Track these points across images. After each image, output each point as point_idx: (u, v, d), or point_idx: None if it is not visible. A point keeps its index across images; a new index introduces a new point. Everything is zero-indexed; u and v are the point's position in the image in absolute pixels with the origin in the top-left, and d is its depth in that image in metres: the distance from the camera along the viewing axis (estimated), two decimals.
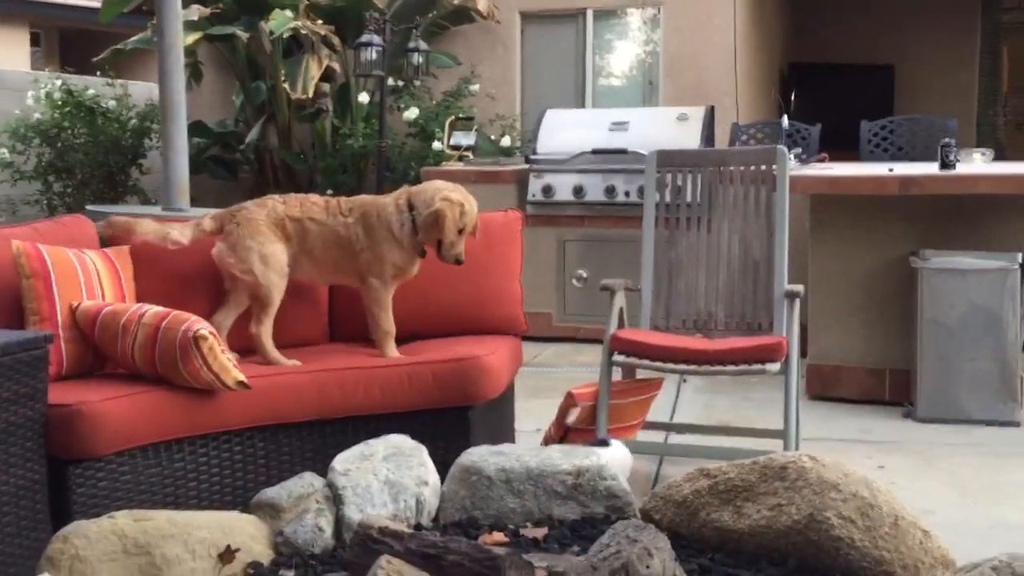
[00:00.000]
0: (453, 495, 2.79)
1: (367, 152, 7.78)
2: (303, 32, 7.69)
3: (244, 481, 3.09)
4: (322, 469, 2.83)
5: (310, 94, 7.64)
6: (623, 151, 6.10)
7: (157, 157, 7.79)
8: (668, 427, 4.14)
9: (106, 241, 3.44)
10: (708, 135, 6.12)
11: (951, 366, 4.38)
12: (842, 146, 6.54)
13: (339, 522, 2.65)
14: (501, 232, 3.75)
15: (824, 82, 9.91)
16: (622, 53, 8.24)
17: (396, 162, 7.67)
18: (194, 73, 8.22)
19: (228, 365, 2.96)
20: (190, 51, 7.45)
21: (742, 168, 3.93)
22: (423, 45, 7.19)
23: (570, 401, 3.62)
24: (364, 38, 6.79)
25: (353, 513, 2.63)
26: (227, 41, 8.21)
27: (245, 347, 3.36)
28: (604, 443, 3.32)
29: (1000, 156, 5.89)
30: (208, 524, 2.52)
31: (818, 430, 4.21)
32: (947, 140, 4.76)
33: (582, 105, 8.10)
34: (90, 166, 8.95)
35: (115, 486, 2.83)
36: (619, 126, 6.31)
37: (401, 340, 3.49)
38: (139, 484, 2.88)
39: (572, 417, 3.57)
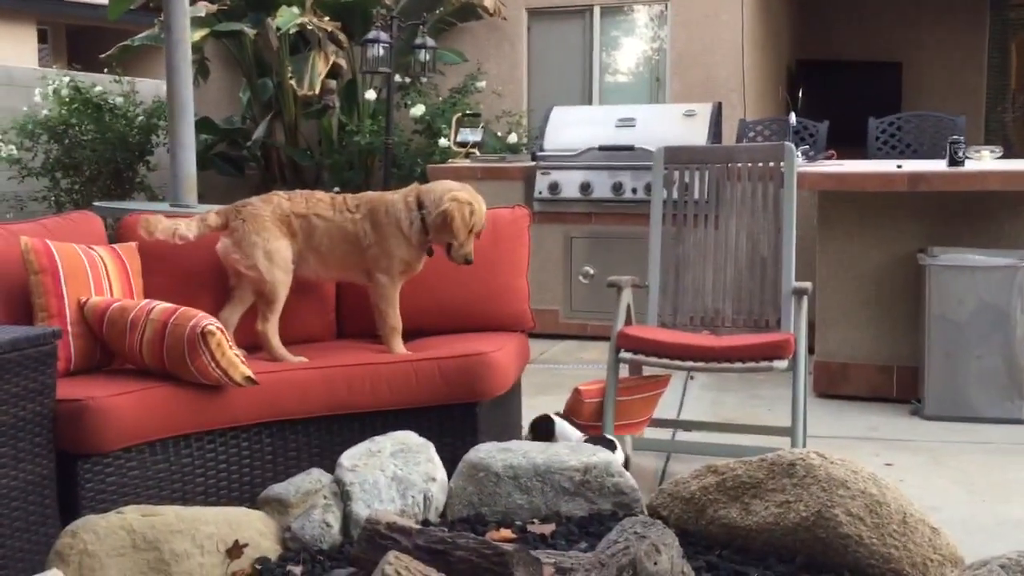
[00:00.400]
0: (460, 491, 2.79)
1: (374, 149, 7.78)
2: (310, 28, 7.70)
3: (252, 477, 3.09)
4: (329, 465, 2.83)
5: (317, 91, 7.64)
6: (630, 148, 6.09)
7: (164, 154, 7.80)
8: (675, 424, 4.13)
9: (115, 235, 3.45)
10: (715, 132, 6.11)
11: (959, 363, 4.37)
12: (850, 143, 6.53)
13: (347, 518, 2.65)
14: (508, 229, 3.75)
15: (832, 79, 9.88)
16: (629, 49, 8.23)
17: (403, 159, 7.67)
18: (201, 70, 8.23)
19: (236, 361, 2.97)
20: (197, 48, 7.47)
21: (750, 165, 3.92)
22: (430, 42, 7.19)
23: (577, 398, 3.62)
24: (371, 34, 6.79)
25: (361, 509, 2.64)
26: (234, 38, 8.22)
27: (252, 344, 3.36)
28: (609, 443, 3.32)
29: (1009, 153, 5.85)
30: (216, 520, 2.53)
31: (826, 427, 4.21)
32: (956, 137, 4.75)
33: (589, 102, 8.10)
34: (97, 163, 8.97)
35: (123, 481, 2.83)
36: (626, 123, 6.30)
37: (408, 336, 3.49)
38: (147, 479, 2.88)
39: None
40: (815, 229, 4.81)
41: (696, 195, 3.96)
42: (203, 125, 8.06)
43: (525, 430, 3.50)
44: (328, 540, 2.60)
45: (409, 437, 2.90)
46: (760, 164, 3.90)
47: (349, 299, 3.70)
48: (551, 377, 5.09)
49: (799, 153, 4.64)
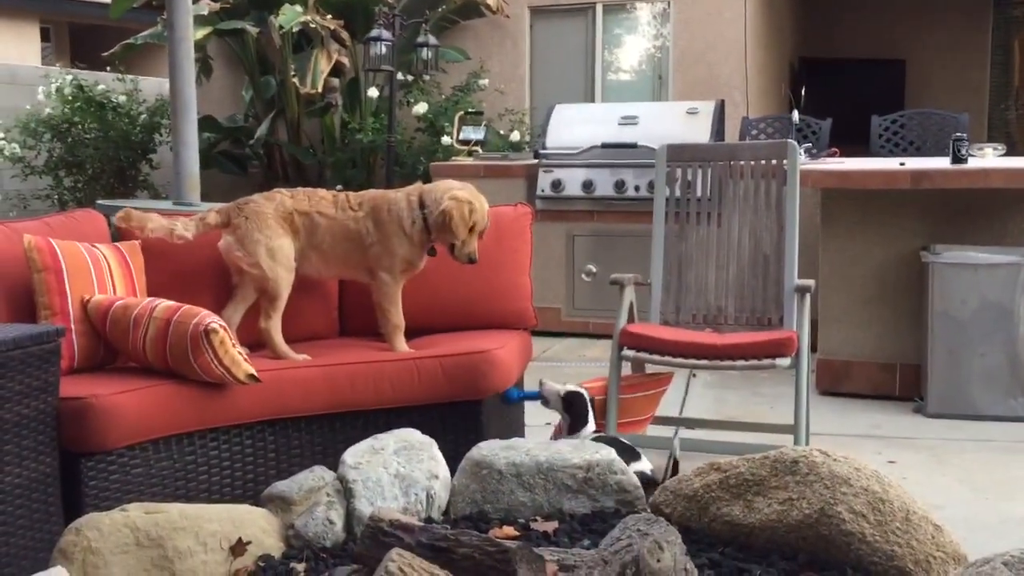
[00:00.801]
0: (463, 489, 2.79)
1: (376, 147, 7.78)
2: (312, 27, 7.71)
3: (255, 475, 3.10)
4: (332, 463, 2.83)
5: (319, 89, 7.65)
6: (633, 145, 6.09)
7: (167, 152, 7.82)
8: (678, 422, 4.13)
9: (118, 234, 3.45)
10: (718, 129, 6.10)
11: (962, 361, 4.37)
12: (853, 141, 6.53)
13: (350, 515, 2.66)
14: (511, 226, 3.75)
15: (835, 77, 9.88)
16: (631, 47, 8.23)
17: (405, 157, 7.67)
18: (204, 68, 8.24)
19: (239, 359, 2.97)
20: (200, 46, 7.47)
21: (752, 162, 3.92)
22: (432, 40, 7.19)
23: None
24: (374, 33, 6.80)
25: (364, 506, 2.64)
26: (237, 36, 8.23)
27: (255, 341, 3.37)
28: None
29: (1012, 151, 5.85)
30: (219, 517, 2.53)
31: (828, 425, 4.21)
32: (959, 134, 4.75)
33: (591, 100, 8.09)
34: (100, 161, 8.98)
35: (127, 479, 2.84)
36: (629, 120, 6.30)
37: (411, 334, 3.49)
38: (151, 477, 2.89)
39: None
40: (818, 227, 4.81)
41: (699, 193, 3.96)
42: (206, 123, 8.06)
43: (552, 400, 3.41)
44: (331, 538, 2.60)
45: (412, 435, 2.90)
46: (763, 162, 3.90)
47: (352, 297, 3.70)
48: (553, 375, 5.08)
49: (802, 151, 4.64)
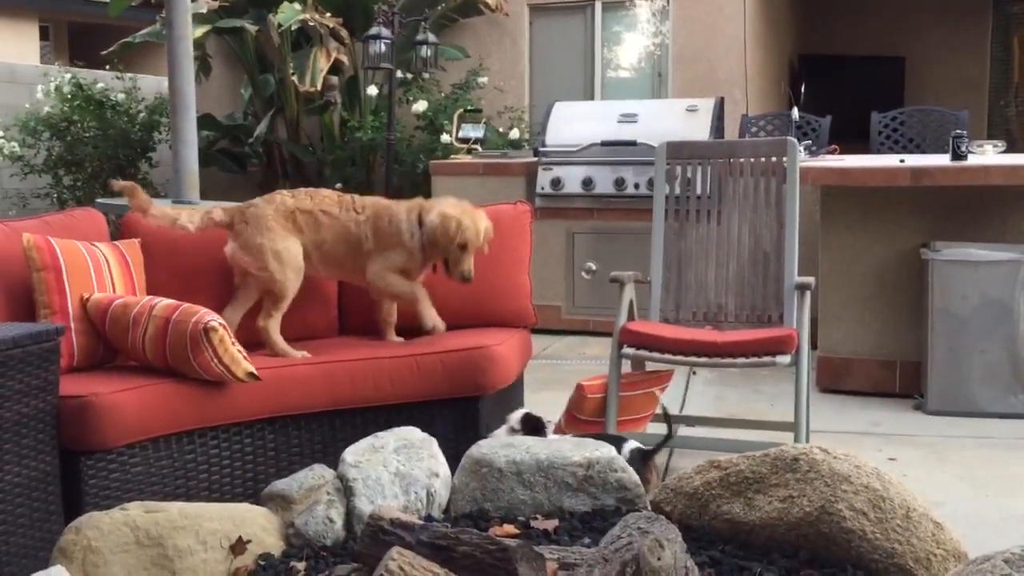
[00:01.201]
0: (463, 487, 2.79)
1: (376, 145, 7.78)
2: (311, 25, 7.70)
3: (255, 473, 3.10)
4: (332, 461, 2.83)
5: (318, 87, 7.64)
6: (632, 143, 6.09)
7: (166, 150, 7.81)
8: (678, 419, 4.13)
9: (118, 232, 3.45)
10: (718, 127, 6.10)
11: (962, 358, 4.36)
12: (852, 138, 6.53)
13: (350, 514, 2.65)
14: (510, 225, 3.75)
15: (834, 74, 9.87)
16: (631, 45, 8.22)
17: (405, 155, 7.67)
18: (203, 66, 8.23)
19: (238, 357, 2.97)
20: (199, 44, 7.46)
21: (752, 160, 3.91)
22: (432, 38, 7.19)
23: (580, 393, 3.62)
24: (373, 31, 6.79)
25: (364, 505, 2.63)
26: (236, 34, 8.23)
27: (254, 341, 3.36)
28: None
29: (1012, 148, 5.85)
30: (219, 516, 2.53)
31: (828, 423, 4.21)
32: (959, 131, 4.74)
33: (591, 97, 8.09)
34: (99, 159, 8.98)
35: (127, 478, 2.84)
36: (628, 118, 6.29)
37: (412, 333, 3.49)
38: (151, 476, 2.89)
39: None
40: (818, 224, 4.81)
41: (698, 190, 3.95)
42: (205, 122, 8.06)
43: (512, 422, 3.31)
44: (331, 536, 2.60)
45: (412, 433, 2.90)
46: (763, 159, 3.90)
47: (351, 296, 3.69)
48: (554, 373, 5.09)
49: (802, 148, 4.63)
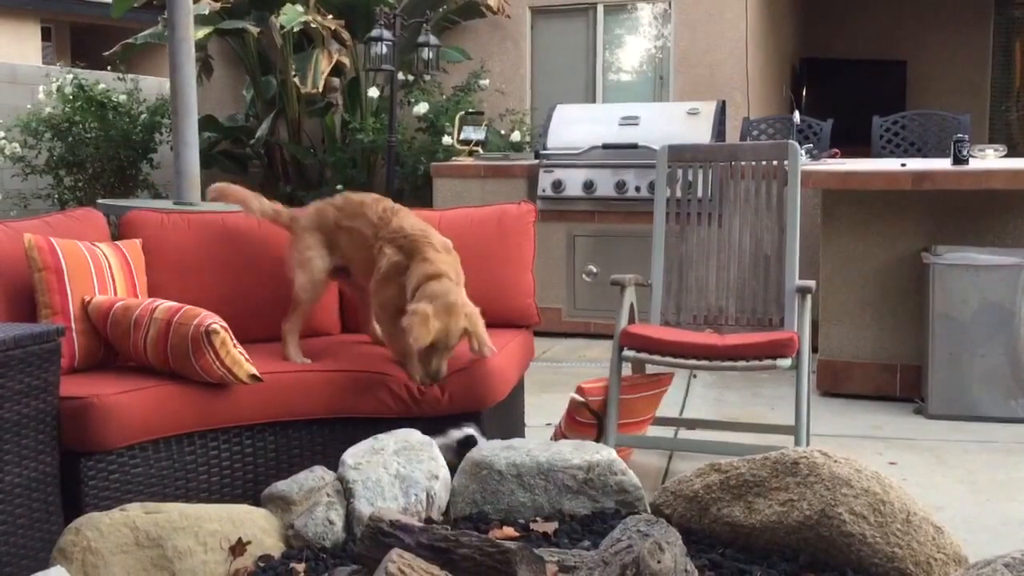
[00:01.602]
0: (463, 489, 2.79)
1: (377, 147, 7.78)
2: (313, 26, 7.70)
3: (255, 474, 3.09)
4: (332, 463, 2.83)
5: (320, 89, 7.65)
6: (634, 146, 6.09)
7: (167, 151, 7.82)
8: (678, 422, 4.13)
9: (118, 233, 3.44)
10: (719, 130, 6.10)
11: (963, 362, 4.36)
12: (854, 141, 6.53)
13: (350, 516, 2.65)
14: (514, 224, 3.75)
15: (836, 77, 9.88)
16: (632, 48, 8.22)
17: (406, 157, 7.67)
18: (204, 67, 8.24)
19: (240, 359, 2.97)
20: (200, 45, 7.48)
21: (753, 163, 3.91)
22: (433, 40, 7.19)
23: (580, 395, 3.61)
24: (374, 32, 6.80)
25: (364, 507, 2.63)
26: (237, 35, 8.23)
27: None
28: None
29: (1013, 152, 5.85)
30: (219, 517, 2.53)
31: (829, 426, 4.21)
32: (960, 135, 4.74)
33: (592, 100, 8.09)
34: (101, 160, 8.98)
35: (127, 479, 2.84)
36: (629, 121, 6.30)
37: None
38: (151, 477, 2.89)
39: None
40: (819, 228, 4.81)
41: (700, 193, 3.96)
42: (206, 123, 8.07)
43: (451, 439, 3.12)
44: (331, 538, 2.60)
45: (412, 435, 2.90)
46: (764, 162, 3.90)
47: (352, 295, 3.69)
48: (554, 375, 5.09)
49: (803, 152, 4.64)
